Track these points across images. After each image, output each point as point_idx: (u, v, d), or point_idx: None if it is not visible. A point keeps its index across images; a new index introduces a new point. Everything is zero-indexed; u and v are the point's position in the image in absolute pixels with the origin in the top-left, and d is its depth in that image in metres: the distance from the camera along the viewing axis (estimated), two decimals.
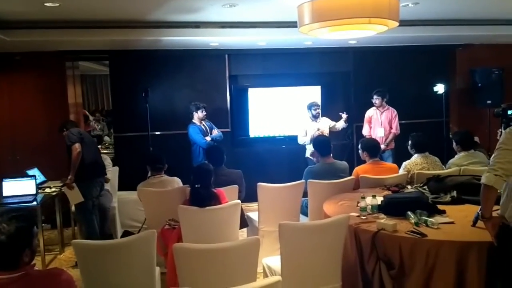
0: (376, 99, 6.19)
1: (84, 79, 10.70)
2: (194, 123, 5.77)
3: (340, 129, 6.19)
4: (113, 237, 4.79)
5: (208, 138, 5.70)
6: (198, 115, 5.75)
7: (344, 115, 6.04)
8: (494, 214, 2.41)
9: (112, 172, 5.47)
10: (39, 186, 4.89)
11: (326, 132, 6.04)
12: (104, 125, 9.97)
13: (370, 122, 6.26)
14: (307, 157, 5.86)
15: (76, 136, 4.46)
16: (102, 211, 4.84)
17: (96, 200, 4.70)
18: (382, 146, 5.84)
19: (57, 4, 4.14)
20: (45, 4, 4.11)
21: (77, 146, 4.39)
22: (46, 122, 6.00)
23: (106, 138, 9.10)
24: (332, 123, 6.16)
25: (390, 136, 6.14)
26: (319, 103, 6.21)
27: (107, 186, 5.02)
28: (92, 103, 11.76)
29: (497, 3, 4.89)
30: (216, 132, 5.86)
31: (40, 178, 5.20)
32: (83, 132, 4.82)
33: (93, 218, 4.64)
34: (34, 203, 4.44)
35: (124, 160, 6.20)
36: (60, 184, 4.83)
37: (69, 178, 4.42)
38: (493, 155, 2.36)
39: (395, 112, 6.19)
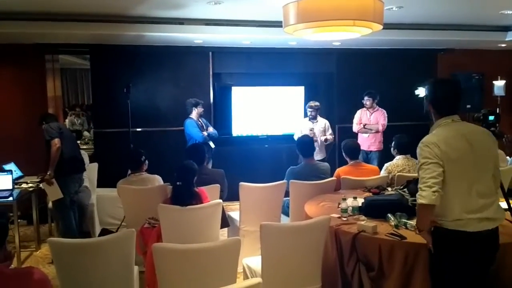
0: (367, 100, 6.24)
1: (64, 73, 10.50)
2: (192, 118, 5.81)
3: (326, 142, 6.08)
4: (90, 235, 4.71)
5: (205, 133, 5.75)
6: (197, 111, 5.83)
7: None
8: None
9: (91, 168, 5.39)
10: (16, 181, 4.78)
11: (317, 135, 5.99)
12: (84, 120, 9.81)
13: (360, 122, 6.28)
14: None
15: (55, 130, 4.39)
16: (81, 207, 4.76)
17: (74, 196, 4.63)
18: (368, 144, 6.04)
19: None
20: None
21: (56, 141, 4.32)
22: (24, 116, 5.88)
23: (86, 133, 8.96)
24: (327, 129, 6.09)
25: (373, 127, 6.17)
26: (317, 103, 6.07)
27: (86, 182, 4.94)
28: (72, 97, 11.55)
29: (478, 9, 4.97)
30: (211, 129, 5.96)
31: (17, 173, 5.09)
32: (62, 127, 4.73)
33: (71, 215, 4.57)
34: (10, 198, 4.36)
35: (104, 157, 6.10)
36: (38, 180, 4.74)
37: (48, 173, 4.34)
38: (421, 172, 2.30)
39: (385, 112, 6.24)
